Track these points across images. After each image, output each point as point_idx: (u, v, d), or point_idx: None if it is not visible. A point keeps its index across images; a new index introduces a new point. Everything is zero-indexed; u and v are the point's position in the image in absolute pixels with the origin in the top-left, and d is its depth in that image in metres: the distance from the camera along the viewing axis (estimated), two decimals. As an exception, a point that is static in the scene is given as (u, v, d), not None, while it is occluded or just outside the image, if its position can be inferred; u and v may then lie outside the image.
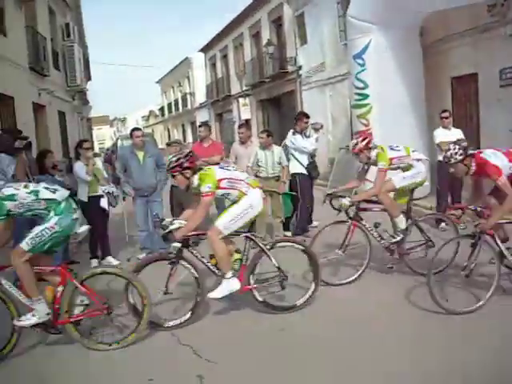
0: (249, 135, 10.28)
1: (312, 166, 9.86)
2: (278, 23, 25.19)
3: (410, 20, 12.11)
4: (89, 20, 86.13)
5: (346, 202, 6.85)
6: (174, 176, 5.84)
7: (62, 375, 4.74)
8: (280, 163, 9.47)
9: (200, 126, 10.61)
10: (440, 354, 4.55)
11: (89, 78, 32.12)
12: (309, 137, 9.94)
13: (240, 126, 10.68)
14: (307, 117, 10.09)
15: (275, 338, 5.21)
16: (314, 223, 10.00)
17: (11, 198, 4.93)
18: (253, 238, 5.99)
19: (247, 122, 26.77)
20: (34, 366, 4.94)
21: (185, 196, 7.65)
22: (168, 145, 11.07)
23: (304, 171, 9.74)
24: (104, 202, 8.67)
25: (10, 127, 12.60)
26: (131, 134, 9.19)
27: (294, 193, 9.63)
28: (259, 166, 9.41)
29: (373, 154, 7.16)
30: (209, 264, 5.86)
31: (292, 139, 9.91)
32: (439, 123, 9.80)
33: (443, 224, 9.51)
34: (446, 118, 9.64)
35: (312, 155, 9.91)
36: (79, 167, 8.55)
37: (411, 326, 5.30)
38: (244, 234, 5.98)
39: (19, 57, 15.25)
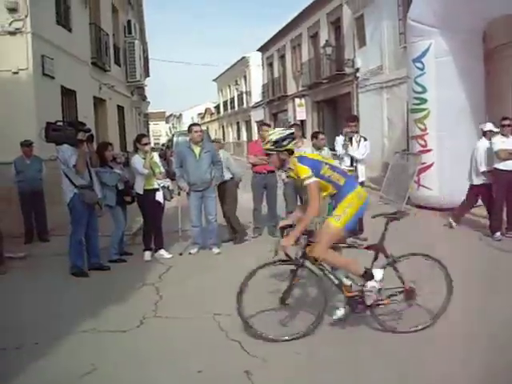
0: (299, 135, 10.32)
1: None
2: (336, 24, 25.09)
3: (474, 24, 11.88)
4: (149, 17, 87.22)
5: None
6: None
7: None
8: None
9: (261, 125, 10.71)
10: None
11: (147, 75, 32.67)
12: (350, 141, 9.72)
13: (291, 127, 10.73)
14: (351, 120, 9.99)
15: (324, 335, 5.22)
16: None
17: None
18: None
19: (302, 122, 26.74)
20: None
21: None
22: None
23: None
24: (159, 196, 8.84)
25: (73, 120, 12.98)
26: (190, 129, 9.27)
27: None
28: None
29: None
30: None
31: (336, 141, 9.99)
32: (499, 130, 9.56)
33: (498, 234, 9.35)
34: (509, 125, 9.40)
35: (355, 160, 9.71)
36: (137, 161, 8.75)
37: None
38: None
39: (82, 52, 15.68)
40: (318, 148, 9.68)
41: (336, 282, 5.23)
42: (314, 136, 10.08)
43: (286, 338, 5.12)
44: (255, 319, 5.32)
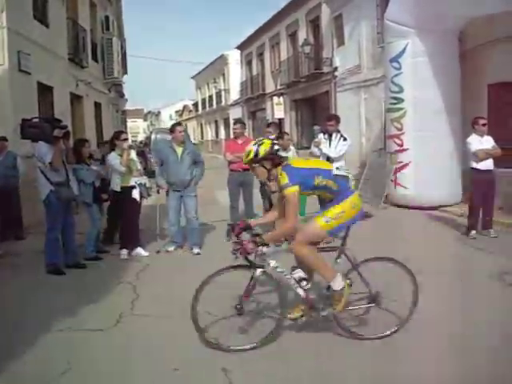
0: (277, 133, 10.35)
1: None
2: (315, 23, 25.18)
3: (450, 25, 12.02)
4: (128, 13, 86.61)
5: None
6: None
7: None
8: None
9: (235, 123, 10.69)
10: None
11: (125, 71, 32.46)
12: (329, 139, 9.63)
13: (268, 125, 10.76)
14: (328, 119, 9.96)
15: (303, 337, 5.24)
16: None
17: None
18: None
19: (280, 121, 26.76)
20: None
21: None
22: None
23: None
24: (136, 194, 8.81)
25: (49, 116, 12.85)
26: (173, 129, 9.18)
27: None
28: None
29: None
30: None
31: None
32: (473, 130, 9.66)
33: (473, 232, 9.48)
34: (483, 124, 9.50)
35: (330, 158, 9.46)
36: (113, 158, 8.70)
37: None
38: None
39: (59, 48, 15.51)
40: (284, 149, 9.66)
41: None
42: (280, 137, 10.04)
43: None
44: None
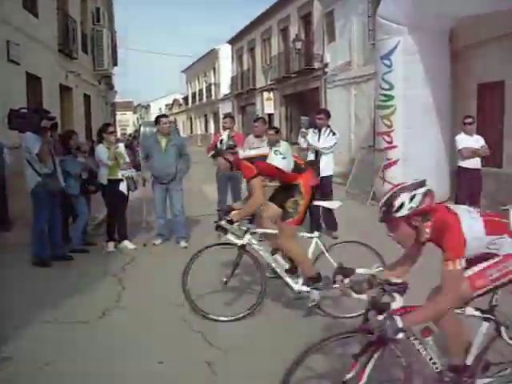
0: (264, 129, 10.31)
1: (309, 162, 9.14)
2: (307, 19, 25.19)
3: (442, 23, 12.04)
4: (118, 5, 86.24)
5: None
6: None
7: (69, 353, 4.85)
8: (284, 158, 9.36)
9: (224, 117, 10.67)
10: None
11: (115, 63, 32.33)
12: (319, 134, 9.51)
13: (256, 120, 10.72)
14: (317, 113, 9.87)
15: (287, 328, 5.25)
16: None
17: None
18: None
19: (270, 116, 26.78)
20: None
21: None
22: None
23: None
24: (123, 186, 8.76)
25: (38, 106, 12.76)
26: (158, 121, 9.15)
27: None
28: None
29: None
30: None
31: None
32: (461, 129, 9.72)
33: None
34: (470, 123, 9.57)
35: (319, 152, 9.47)
36: (101, 150, 8.67)
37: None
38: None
39: (49, 38, 15.43)
40: (271, 144, 9.64)
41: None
42: (266, 132, 10.00)
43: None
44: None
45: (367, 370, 3.30)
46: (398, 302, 3.23)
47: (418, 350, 3.43)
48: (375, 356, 3.32)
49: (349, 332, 3.53)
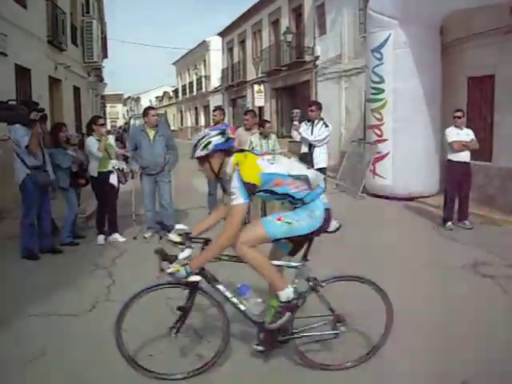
0: (254, 122, 10.33)
1: (303, 155, 9.41)
2: (297, 12, 25.16)
3: (432, 17, 12.06)
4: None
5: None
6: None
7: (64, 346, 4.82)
8: (274, 150, 9.45)
9: (214, 110, 10.69)
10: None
11: (105, 56, 32.15)
12: (312, 126, 9.51)
13: (246, 113, 10.73)
14: (309, 105, 9.87)
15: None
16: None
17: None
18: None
19: (260, 109, 26.71)
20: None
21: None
22: None
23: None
24: (113, 179, 8.74)
25: (27, 99, 12.67)
26: (145, 113, 9.18)
27: None
28: None
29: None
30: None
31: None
32: (452, 122, 9.76)
33: (449, 223, 9.57)
34: (459, 117, 9.61)
35: (312, 145, 9.46)
36: (92, 143, 8.62)
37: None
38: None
39: (38, 30, 15.29)
40: (265, 136, 9.70)
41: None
42: (261, 125, 9.96)
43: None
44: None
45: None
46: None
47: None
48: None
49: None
